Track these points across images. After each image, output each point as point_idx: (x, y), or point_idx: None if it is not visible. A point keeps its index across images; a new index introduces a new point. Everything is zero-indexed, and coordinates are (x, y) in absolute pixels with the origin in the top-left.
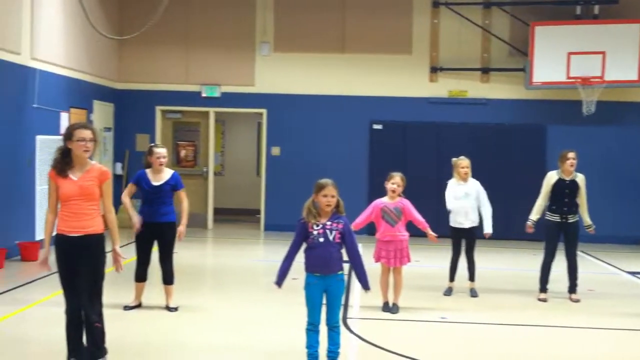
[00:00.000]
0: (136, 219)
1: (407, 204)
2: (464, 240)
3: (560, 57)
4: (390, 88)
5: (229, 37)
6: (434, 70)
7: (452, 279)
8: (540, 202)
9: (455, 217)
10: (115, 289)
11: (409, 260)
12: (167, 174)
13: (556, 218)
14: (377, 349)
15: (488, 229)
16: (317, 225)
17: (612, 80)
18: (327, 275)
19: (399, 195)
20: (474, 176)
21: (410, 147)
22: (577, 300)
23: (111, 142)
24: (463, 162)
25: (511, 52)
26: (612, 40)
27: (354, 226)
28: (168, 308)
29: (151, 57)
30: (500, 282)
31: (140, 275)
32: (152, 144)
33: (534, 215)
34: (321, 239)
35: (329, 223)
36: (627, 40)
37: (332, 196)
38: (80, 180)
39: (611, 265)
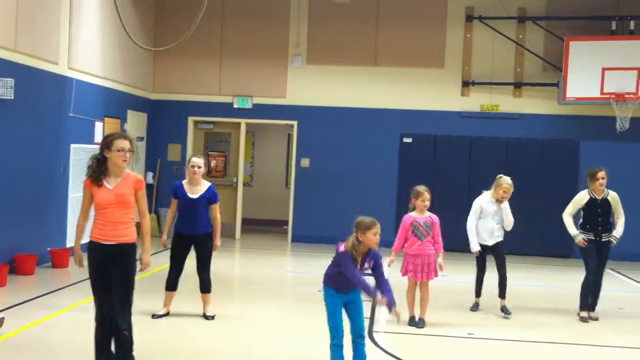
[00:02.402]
0: (165, 237)
1: (436, 220)
2: (493, 257)
3: (595, 73)
4: (421, 101)
5: (262, 49)
6: (466, 84)
7: (478, 294)
8: (569, 219)
9: (481, 234)
10: (146, 297)
11: (436, 275)
12: (203, 186)
13: (590, 236)
14: None
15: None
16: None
17: None
18: (346, 293)
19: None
20: None
21: (440, 160)
22: (596, 319)
23: (144, 151)
24: (506, 186)
25: (545, 67)
26: None
27: (394, 250)
28: (205, 316)
29: (185, 68)
30: (530, 299)
31: (172, 284)
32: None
33: (574, 229)
34: None
35: (366, 264)
36: None
37: (380, 234)
38: (116, 189)
39: (638, 282)
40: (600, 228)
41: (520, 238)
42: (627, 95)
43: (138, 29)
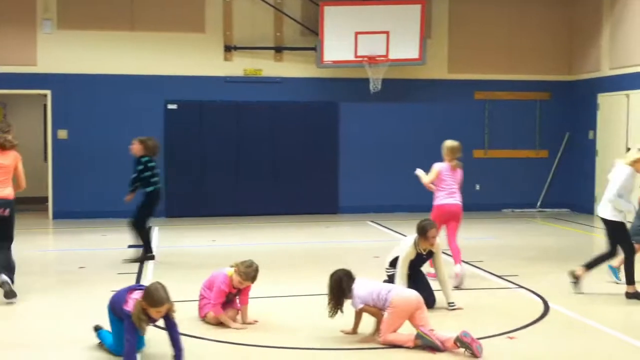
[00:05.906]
0: None
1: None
2: None
3: (349, 37)
4: (184, 67)
5: (6, 13)
6: (229, 49)
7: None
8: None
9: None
10: None
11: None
12: None
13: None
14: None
15: None
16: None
17: (396, 59)
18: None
19: None
20: (276, 153)
21: (207, 126)
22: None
23: None
24: None
25: (303, 31)
26: (395, 20)
27: (217, 314)
28: None
29: None
30: (299, 257)
31: None
32: None
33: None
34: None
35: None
36: (409, 20)
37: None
38: None
39: (396, 232)
40: None
41: (286, 197)
42: (378, 58)
43: None
